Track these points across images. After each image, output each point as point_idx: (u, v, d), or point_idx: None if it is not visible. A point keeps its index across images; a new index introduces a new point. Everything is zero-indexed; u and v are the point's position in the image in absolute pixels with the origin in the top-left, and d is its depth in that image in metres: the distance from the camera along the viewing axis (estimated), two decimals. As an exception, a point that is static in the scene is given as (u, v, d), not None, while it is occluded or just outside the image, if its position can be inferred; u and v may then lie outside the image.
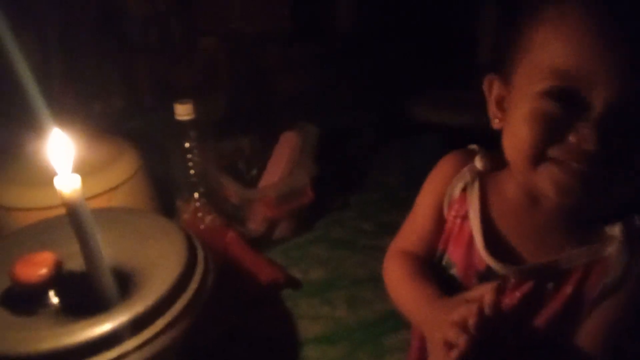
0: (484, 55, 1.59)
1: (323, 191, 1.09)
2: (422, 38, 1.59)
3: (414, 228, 0.65)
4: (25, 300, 0.58)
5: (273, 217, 1.03)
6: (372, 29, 1.64)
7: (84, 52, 1.27)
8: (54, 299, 0.58)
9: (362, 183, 1.32)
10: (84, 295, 0.58)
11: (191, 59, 1.44)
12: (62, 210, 0.62)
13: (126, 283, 0.61)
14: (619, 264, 0.51)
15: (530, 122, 0.47)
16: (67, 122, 0.58)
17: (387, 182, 1.32)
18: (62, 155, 0.54)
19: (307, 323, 0.87)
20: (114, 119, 1.30)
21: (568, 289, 0.53)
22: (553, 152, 0.46)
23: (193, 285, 0.64)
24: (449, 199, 0.61)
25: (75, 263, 0.62)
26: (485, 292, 0.48)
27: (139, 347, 0.56)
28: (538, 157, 0.48)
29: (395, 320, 0.85)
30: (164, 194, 1.08)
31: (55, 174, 0.53)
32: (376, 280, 0.67)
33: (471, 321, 0.46)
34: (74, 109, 1.19)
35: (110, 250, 0.59)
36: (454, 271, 0.60)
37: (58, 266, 0.58)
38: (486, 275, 0.56)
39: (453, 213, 0.60)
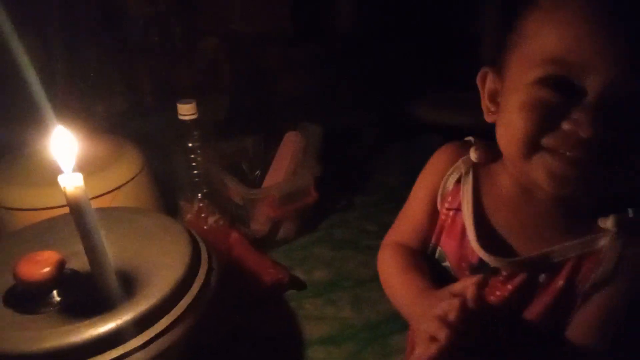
0: (486, 55, 1.59)
1: (325, 192, 1.09)
2: (423, 38, 1.59)
3: (408, 220, 0.65)
4: (28, 299, 0.57)
5: (277, 217, 1.02)
6: (373, 29, 1.64)
7: (85, 53, 1.27)
8: (58, 298, 0.58)
9: (364, 183, 1.31)
10: (87, 294, 0.57)
11: (192, 59, 1.44)
12: (64, 211, 0.62)
13: (130, 282, 0.60)
14: (611, 256, 0.51)
15: (524, 111, 0.47)
16: (71, 123, 0.58)
17: (389, 183, 1.32)
18: (65, 152, 0.53)
19: (312, 323, 0.86)
20: (116, 120, 1.30)
21: (560, 282, 0.53)
22: (547, 141, 0.46)
23: (197, 284, 0.63)
24: (442, 191, 0.61)
25: (79, 262, 0.61)
26: (467, 286, 0.48)
27: (143, 345, 0.55)
28: (532, 147, 0.47)
29: (401, 321, 0.84)
30: (166, 195, 1.08)
31: (58, 172, 0.52)
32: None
33: (451, 316, 0.47)
34: (77, 109, 1.19)
35: (113, 249, 0.58)
36: (447, 264, 0.60)
37: (61, 265, 0.57)
38: (478, 267, 0.56)
39: (446, 205, 0.60)
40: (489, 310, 0.53)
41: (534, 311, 0.54)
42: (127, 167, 0.96)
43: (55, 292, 0.58)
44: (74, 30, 1.23)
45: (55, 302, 0.57)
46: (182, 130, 1.04)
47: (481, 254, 0.55)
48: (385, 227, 0.73)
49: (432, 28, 1.60)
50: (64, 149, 0.53)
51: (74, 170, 0.53)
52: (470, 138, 0.63)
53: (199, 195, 1.07)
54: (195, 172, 1.07)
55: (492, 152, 0.58)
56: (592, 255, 0.52)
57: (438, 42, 1.57)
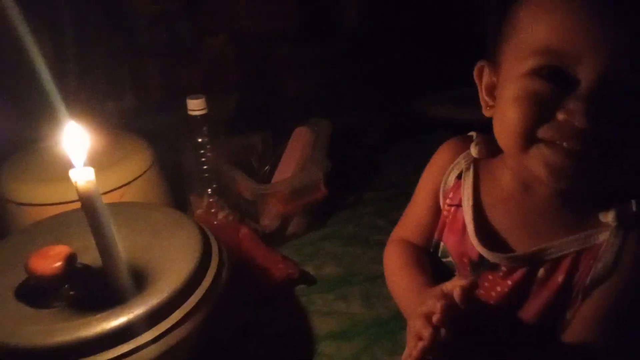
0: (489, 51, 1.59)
1: (335, 188, 1.08)
2: (431, 35, 1.58)
3: (412, 216, 0.65)
4: (40, 293, 0.57)
5: (286, 213, 1.02)
6: (381, 27, 1.64)
7: (94, 51, 1.28)
8: (69, 292, 0.58)
9: (374, 179, 1.31)
10: (98, 288, 0.58)
11: (199, 57, 1.45)
12: (75, 206, 0.62)
13: (141, 276, 0.60)
14: (611, 250, 0.50)
15: (519, 103, 0.47)
16: (81, 119, 0.58)
17: (398, 179, 1.31)
18: (77, 147, 0.53)
19: (322, 319, 0.86)
20: (125, 117, 1.30)
21: (559, 277, 0.52)
22: (543, 132, 0.46)
23: (208, 278, 0.63)
24: (444, 187, 0.61)
25: (90, 257, 0.62)
26: (456, 286, 0.48)
27: (155, 340, 0.55)
28: (528, 139, 0.47)
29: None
30: (176, 190, 1.08)
31: (69, 166, 0.53)
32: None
33: (434, 318, 0.46)
34: (87, 106, 1.19)
35: (124, 243, 0.59)
36: (450, 259, 0.60)
37: (73, 259, 0.57)
38: (478, 263, 0.56)
39: (448, 201, 0.60)
40: (486, 309, 0.52)
41: (533, 306, 0.54)
42: (136, 163, 0.96)
43: (66, 286, 0.58)
44: (84, 29, 1.24)
45: (67, 296, 0.57)
46: (191, 125, 1.04)
47: (480, 249, 0.55)
48: (396, 223, 0.73)
49: (441, 25, 1.59)
50: (76, 143, 0.54)
51: (85, 166, 0.53)
52: (473, 133, 0.62)
53: (209, 190, 1.07)
54: (205, 167, 1.07)
55: (493, 147, 0.58)
56: (591, 250, 0.51)
57: (447, 39, 1.55)
